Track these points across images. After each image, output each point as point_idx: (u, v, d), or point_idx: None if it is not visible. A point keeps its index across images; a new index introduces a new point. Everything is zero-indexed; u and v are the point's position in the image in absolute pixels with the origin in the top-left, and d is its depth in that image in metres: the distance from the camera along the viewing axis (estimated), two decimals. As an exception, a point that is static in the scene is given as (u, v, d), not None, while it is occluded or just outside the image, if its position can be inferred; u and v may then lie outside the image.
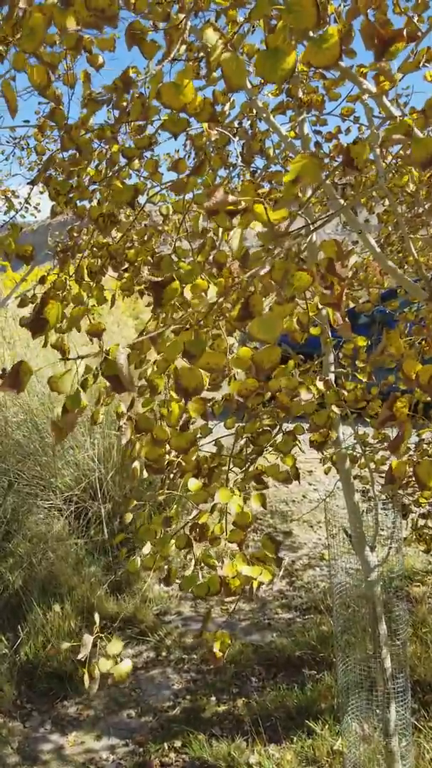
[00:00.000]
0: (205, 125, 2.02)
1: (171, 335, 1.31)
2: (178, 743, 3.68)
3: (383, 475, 3.63)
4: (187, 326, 1.29)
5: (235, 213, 1.32)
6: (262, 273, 1.08)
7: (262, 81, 2.57)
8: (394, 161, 2.52)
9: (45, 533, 5.38)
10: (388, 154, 2.32)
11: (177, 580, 2.18)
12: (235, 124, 2.77)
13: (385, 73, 1.40)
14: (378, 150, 1.53)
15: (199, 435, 2.14)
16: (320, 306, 1.21)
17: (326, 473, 3.69)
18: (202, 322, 1.30)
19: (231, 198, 1.13)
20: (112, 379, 1.12)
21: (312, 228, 1.90)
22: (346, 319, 1.27)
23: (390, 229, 3.79)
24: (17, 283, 4.87)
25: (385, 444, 3.37)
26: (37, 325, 1.12)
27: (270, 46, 1.24)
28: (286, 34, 1.23)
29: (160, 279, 1.18)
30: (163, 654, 4.49)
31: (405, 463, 1.38)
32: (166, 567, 2.22)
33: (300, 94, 2.69)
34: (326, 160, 3.05)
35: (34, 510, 5.62)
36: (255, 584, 2.02)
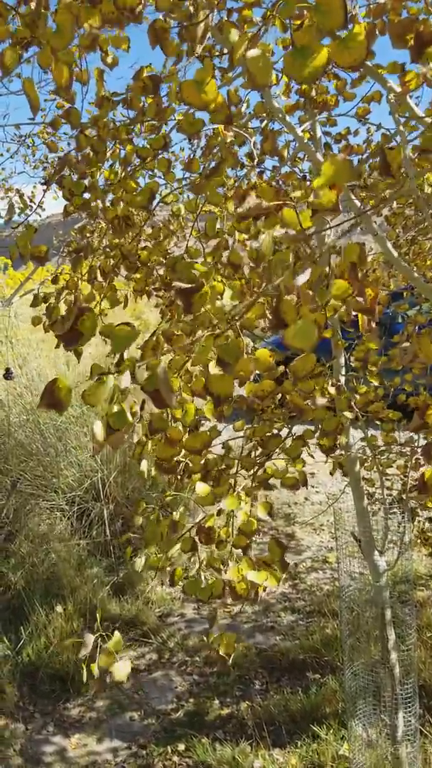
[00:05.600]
0: (221, 126, 2.00)
1: (203, 340, 1.28)
2: (181, 746, 3.66)
3: (389, 477, 3.61)
4: (217, 331, 1.27)
5: (260, 217, 1.30)
6: (300, 282, 1.06)
7: (279, 80, 2.55)
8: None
9: (47, 534, 5.36)
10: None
11: (181, 582, 2.16)
12: (249, 124, 2.76)
13: (425, 77, 1.38)
14: (409, 152, 1.51)
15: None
16: (354, 313, 1.18)
17: (332, 474, 3.67)
18: (232, 327, 1.28)
19: (264, 204, 1.10)
20: (154, 394, 1.09)
21: (327, 229, 1.88)
22: (373, 324, 1.25)
23: (398, 231, 3.77)
24: (22, 282, 4.85)
25: (393, 447, 3.36)
26: (71, 337, 1.09)
27: (298, 45, 1.22)
28: (313, 33, 1.21)
29: (189, 285, 1.16)
30: (166, 656, 4.47)
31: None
32: (171, 568, 2.20)
33: (312, 94, 2.67)
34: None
35: (37, 510, 5.60)
36: (261, 589, 2.00)
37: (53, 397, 1.10)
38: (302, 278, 1.06)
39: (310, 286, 1.11)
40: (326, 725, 3.63)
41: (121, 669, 1.84)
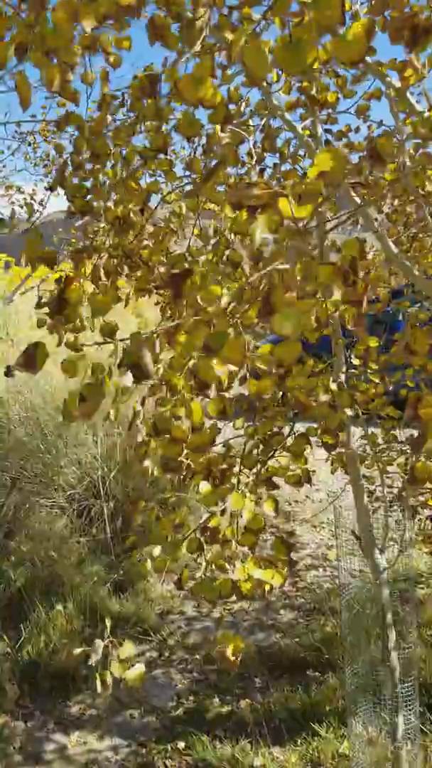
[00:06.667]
0: (217, 128, 2.00)
1: (190, 329, 1.28)
2: (181, 744, 3.66)
3: (390, 475, 3.62)
4: (208, 317, 1.26)
5: (256, 209, 1.29)
6: (283, 267, 1.06)
7: (280, 78, 2.54)
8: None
9: (47, 532, 5.36)
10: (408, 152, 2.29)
11: (189, 583, 2.16)
12: (250, 122, 2.75)
13: (414, 66, 1.38)
14: (405, 146, 1.51)
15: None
16: (342, 304, 1.18)
17: (333, 473, 3.67)
18: (233, 325, 1.27)
19: (255, 191, 1.10)
20: (134, 367, 1.09)
21: (326, 224, 1.88)
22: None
23: (399, 229, 3.76)
24: (22, 280, 4.85)
25: (394, 445, 3.36)
26: (57, 305, 1.10)
27: (292, 38, 1.22)
28: (312, 29, 1.21)
29: (178, 271, 1.16)
30: (166, 654, 4.47)
31: (429, 465, 1.36)
32: (178, 570, 2.20)
33: (313, 92, 2.66)
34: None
35: (37, 508, 5.60)
36: (267, 587, 2.00)
37: (30, 358, 1.11)
38: (285, 265, 1.06)
39: (299, 275, 1.11)
40: (326, 723, 3.63)
41: (135, 674, 1.84)
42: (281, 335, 1.16)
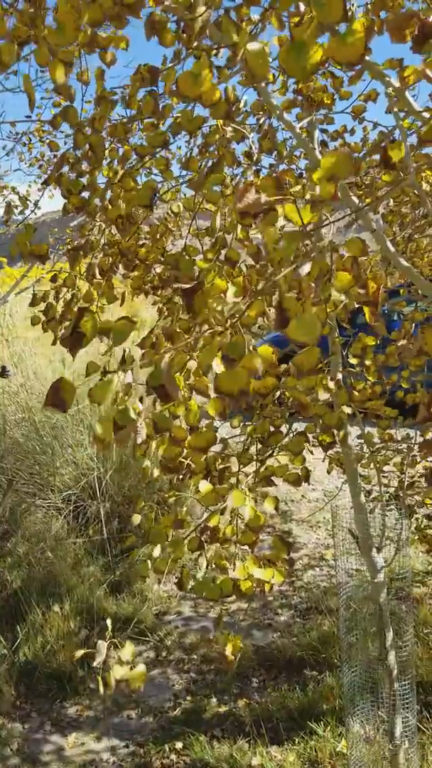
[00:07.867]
0: (219, 122, 2.00)
1: (202, 339, 1.28)
2: (179, 744, 3.66)
3: (386, 474, 3.62)
4: (220, 329, 1.26)
5: (259, 214, 1.29)
6: (303, 273, 1.06)
7: (276, 79, 2.54)
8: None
9: (43, 533, 5.35)
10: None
11: (190, 583, 2.16)
12: (246, 122, 2.76)
13: (426, 75, 1.38)
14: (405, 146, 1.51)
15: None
16: (357, 304, 1.19)
17: (329, 472, 3.68)
18: (232, 325, 1.27)
19: (264, 199, 1.10)
20: (159, 389, 1.09)
21: (326, 226, 1.88)
22: (374, 318, 1.25)
23: (395, 229, 3.78)
24: (17, 280, 4.84)
25: (390, 444, 3.37)
26: (74, 341, 1.09)
27: (296, 40, 1.22)
28: (313, 28, 1.21)
29: (189, 285, 1.16)
30: (163, 654, 4.47)
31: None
32: (175, 570, 2.20)
33: (309, 93, 2.67)
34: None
35: (33, 509, 5.59)
36: (267, 586, 2.00)
37: (58, 396, 1.10)
38: (304, 270, 1.06)
39: (312, 280, 1.11)
40: (324, 722, 3.64)
41: (136, 675, 1.83)
42: (298, 342, 1.16)
